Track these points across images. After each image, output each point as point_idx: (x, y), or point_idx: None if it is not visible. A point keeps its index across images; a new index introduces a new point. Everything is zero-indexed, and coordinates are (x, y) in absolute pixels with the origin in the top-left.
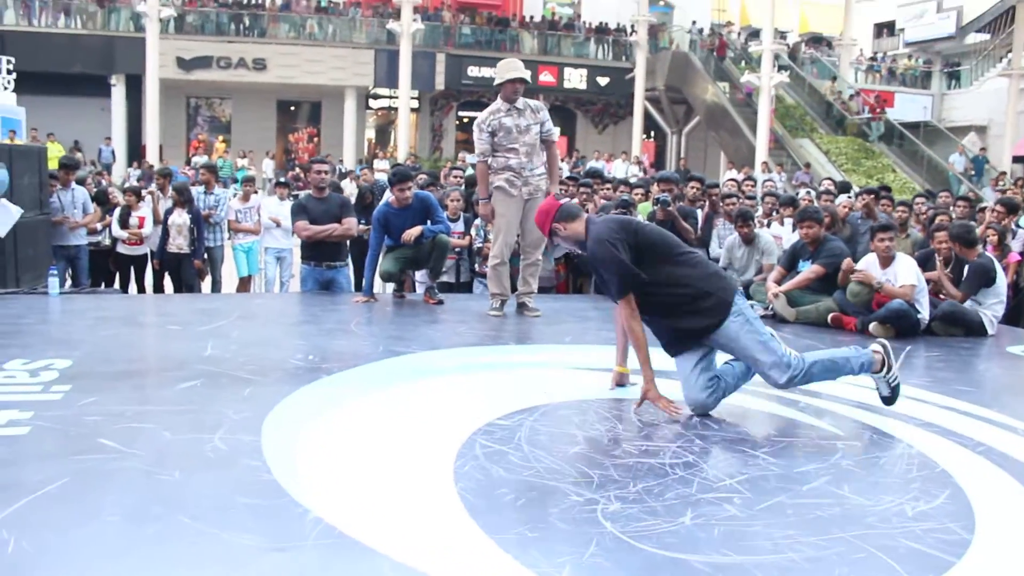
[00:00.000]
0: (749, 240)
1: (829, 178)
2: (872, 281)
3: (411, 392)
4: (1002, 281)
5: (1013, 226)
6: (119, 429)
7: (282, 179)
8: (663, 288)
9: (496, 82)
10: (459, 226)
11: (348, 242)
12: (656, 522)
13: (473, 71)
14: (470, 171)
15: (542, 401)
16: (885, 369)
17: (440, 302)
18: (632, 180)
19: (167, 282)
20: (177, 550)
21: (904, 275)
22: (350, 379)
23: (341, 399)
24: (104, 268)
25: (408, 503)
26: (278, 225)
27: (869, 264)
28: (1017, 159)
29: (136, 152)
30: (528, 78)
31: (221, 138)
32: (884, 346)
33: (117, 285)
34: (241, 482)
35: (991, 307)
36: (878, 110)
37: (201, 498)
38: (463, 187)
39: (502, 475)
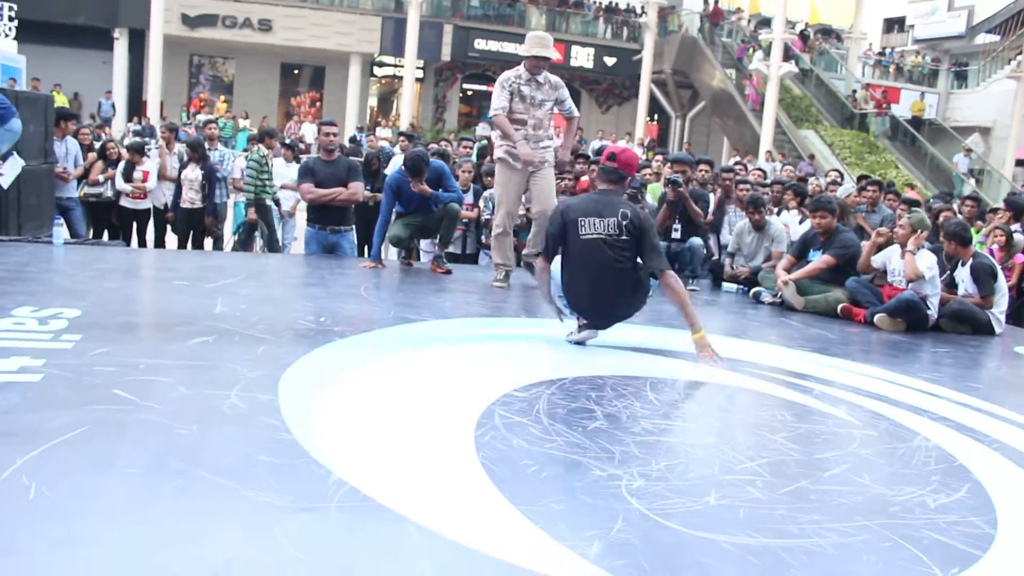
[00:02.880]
0: (760, 227)
1: (836, 169)
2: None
3: (426, 359)
4: (1003, 279)
5: (1019, 227)
6: (133, 381)
7: (287, 141)
8: None
9: (522, 52)
10: (468, 197)
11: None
12: (681, 501)
13: (480, 44)
14: (482, 143)
15: (559, 375)
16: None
17: (448, 271)
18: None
19: (169, 236)
20: (200, 504)
21: (922, 263)
22: (364, 343)
23: (356, 363)
24: (106, 221)
25: (431, 470)
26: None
27: (892, 253)
28: (1020, 162)
29: (136, 107)
30: (552, 58)
31: (223, 98)
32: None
33: (119, 237)
34: (260, 440)
35: (998, 305)
36: (884, 105)
37: (221, 454)
38: (474, 157)
39: (524, 446)
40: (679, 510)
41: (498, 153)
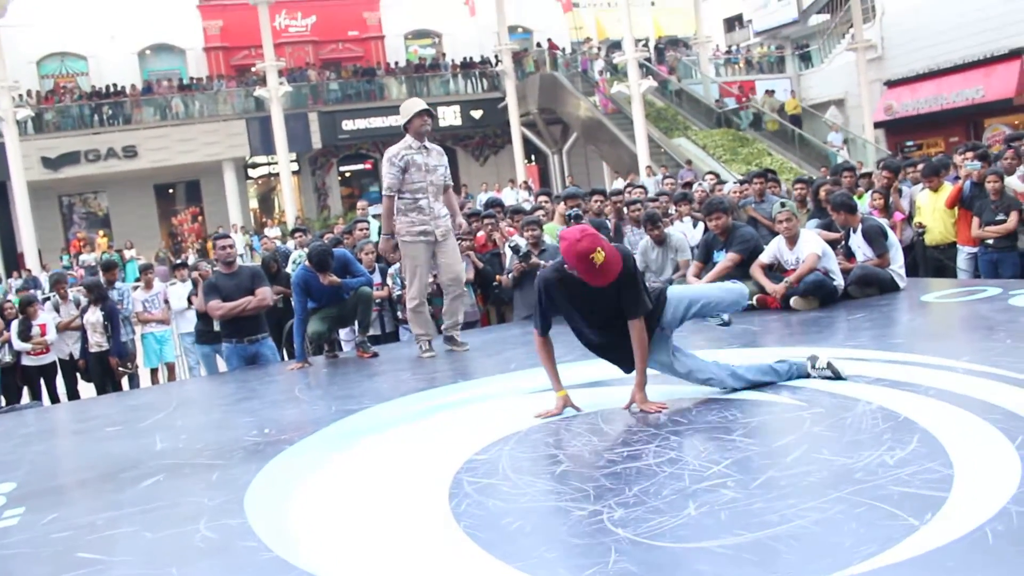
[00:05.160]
0: (661, 241)
1: (711, 172)
2: (785, 288)
3: (381, 445)
4: (893, 236)
5: (899, 185)
6: (95, 539)
7: (178, 261)
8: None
9: (403, 122)
10: (376, 277)
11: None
12: (663, 519)
13: (347, 124)
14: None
15: (512, 430)
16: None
17: (375, 355)
18: (526, 206)
19: (82, 386)
20: None
21: (808, 249)
22: (315, 444)
23: (314, 466)
24: (12, 384)
25: (420, 552)
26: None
27: (779, 246)
28: (878, 124)
29: (12, 261)
30: (430, 109)
31: (102, 233)
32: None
33: (27, 399)
34: (244, 566)
35: (895, 261)
36: (744, 99)
37: None
38: (373, 237)
39: (500, 506)
40: (664, 528)
41: (407, 231)
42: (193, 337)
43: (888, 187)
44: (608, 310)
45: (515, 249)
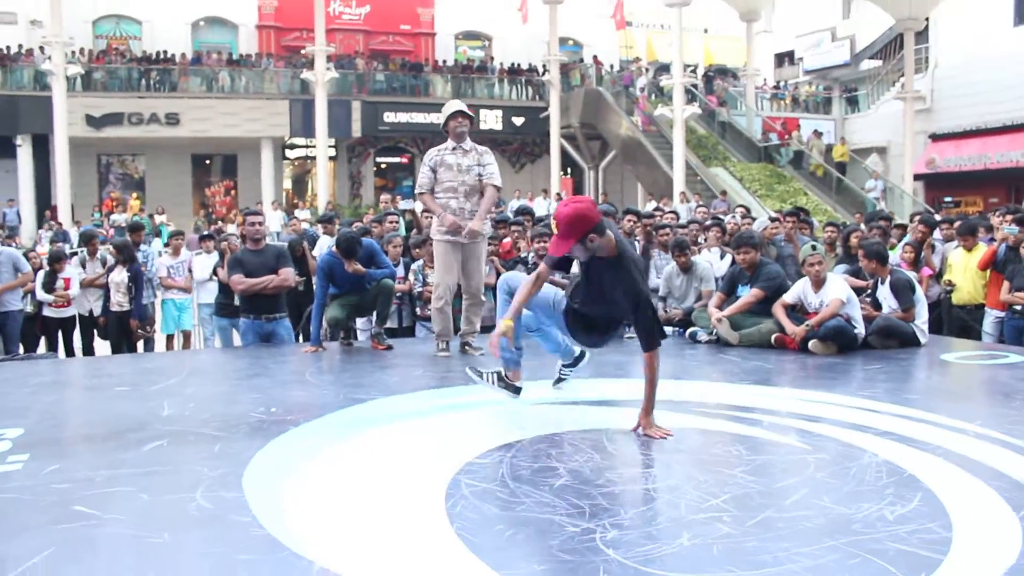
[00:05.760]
0: (687, 268)
1: (741, 205)
2: (806, 330)
3: (384, 438)
4: (920, 291)
5: (932, 241)
6: (93, 495)
7: (205, 232)
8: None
9: (441, 124)
10: (399, 271)
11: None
12: (656, 546)
13: (389, 117)
14: (408, 216)
15: (515, 438)
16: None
17: (389, 347)
18: None
19: (98, 343)
20: None
21: (833, 293)
22: (320, 429)
23: (316, 450)
24: (29, 333)
25: (410, 547)
26: (214, 276)
27: (804, 288)
28: (918, 177)
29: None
30: (468, 111)
31: (135, 195)
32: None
33: (43, 349)
34: (235, 539)
35: (919, 316)
36: (786, 136)
37: (198, 559)
38: (402, 231)
39: (495, 512)
40: (656, 555)
41: (433, 234)
42: (212, 308)
43: (922, 241)
44: (609, 289)
45: None
